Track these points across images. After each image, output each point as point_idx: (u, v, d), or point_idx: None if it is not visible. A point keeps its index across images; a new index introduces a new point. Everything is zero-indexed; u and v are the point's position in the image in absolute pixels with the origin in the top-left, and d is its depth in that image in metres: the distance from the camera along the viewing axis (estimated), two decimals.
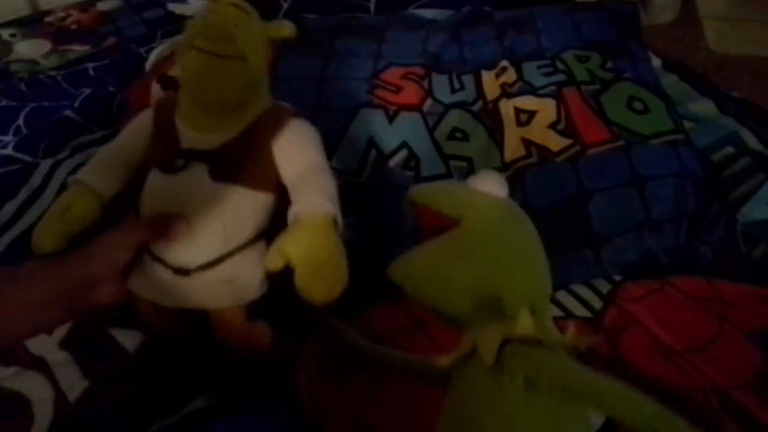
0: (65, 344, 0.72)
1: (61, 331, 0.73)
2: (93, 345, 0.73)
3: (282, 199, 0.69)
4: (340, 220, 0.65)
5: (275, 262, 0.62)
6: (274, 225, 0.69)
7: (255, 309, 0.70)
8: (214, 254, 0.67)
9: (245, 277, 0.68)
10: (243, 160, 0.68)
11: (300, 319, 0.71)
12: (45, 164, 0.99)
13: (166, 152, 0.69)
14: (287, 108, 0.73)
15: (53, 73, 1.26)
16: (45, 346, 0.72)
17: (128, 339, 0.74)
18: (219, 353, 0.72)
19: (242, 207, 0.68)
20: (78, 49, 1.39)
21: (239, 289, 0.68)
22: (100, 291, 0.64)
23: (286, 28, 0.73)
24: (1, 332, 0.60)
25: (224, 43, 0.65)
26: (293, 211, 0.64)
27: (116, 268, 0.66)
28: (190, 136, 0.69)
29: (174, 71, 0.74)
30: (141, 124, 0.74)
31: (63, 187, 0.94)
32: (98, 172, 0.72)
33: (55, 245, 0.68)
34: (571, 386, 0.45)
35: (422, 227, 0.62)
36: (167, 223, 0.66)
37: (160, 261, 0.68)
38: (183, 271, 0.67)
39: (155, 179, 0.69)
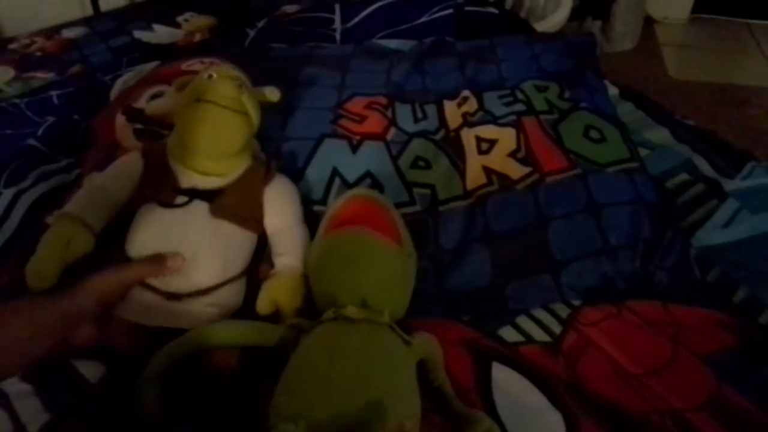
0: (26, 376, 0.71)
1: None
2: (54, 376, 0.72)
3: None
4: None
5: (267, 309, 0.75)
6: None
7: None
8: (211, 282, 0.75)
9: (228, 304, 0.77)
10: (239, 202, 0.79)
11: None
12: (7, 193, 0.98)
13: (163, 190, 0.78)
14: (270, 161, 0.87)
15: (16, 100, 1.24)
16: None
17: (90, 370, 0.73)
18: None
19: (237, 243, 0.79)
20: (42, 76, 1.38)
21: (222, 315, 0.76)
22: (80, 332, 0.66)
23: (273, 94, 0.88)
24: None
25: (236, 100, 0.78)
26: (285, 262, 0.79)
27: (101, 305, 0.67)
28: (188, 177, 0.79)
29: (175, 119, 0.81)
30: (127, 166, 0.82)
31: (26, 217, 0.94)
32: (87, 207, 0.78)
33: (54, 279, 0.72)
34: None
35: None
36: (163, 261, 0.71)
37: (150, 288, 0.73)
38: (175, 297, 0.73)
39: (153, 213, 0.77)
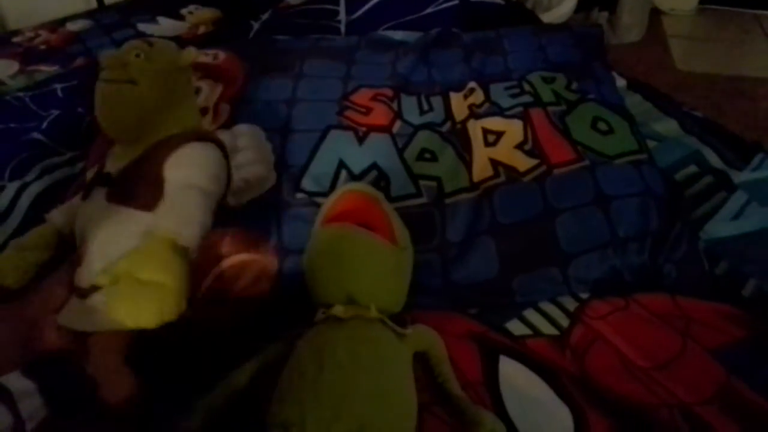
0: (28, 372, 0.71)
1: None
2: (56, 373, 0.72)
3: None
4: (191, 246, 0.70)
5: (99, 280, 0.65)
6: None
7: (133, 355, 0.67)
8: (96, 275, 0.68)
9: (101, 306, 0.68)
10: (136, 183, 0.73)
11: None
12: (12, 187, 0.98)
13: (86, 180, 0.76)
14: (195, 133, 0.79)
15: (21, 94, 1.24)
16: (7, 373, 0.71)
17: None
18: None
19: (133, 228, 0.70)
20: (46, 69, 1.38)
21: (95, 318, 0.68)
22: (46, 337, 0.65)
23: (189, 55, 0.81)
24: None
25: (117, 69, 0.74)
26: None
27: (55, 309, 0.67)
28: (111, 163, 0.76)
29: None
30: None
31: (31, 210, 0.94)
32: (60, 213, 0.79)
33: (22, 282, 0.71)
34: None
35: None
36: (73, 262, 0.70)
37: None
38: (81, 293, 0.68)
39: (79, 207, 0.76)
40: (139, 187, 0.72)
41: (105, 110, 0.75)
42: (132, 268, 0.63)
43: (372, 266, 0.73)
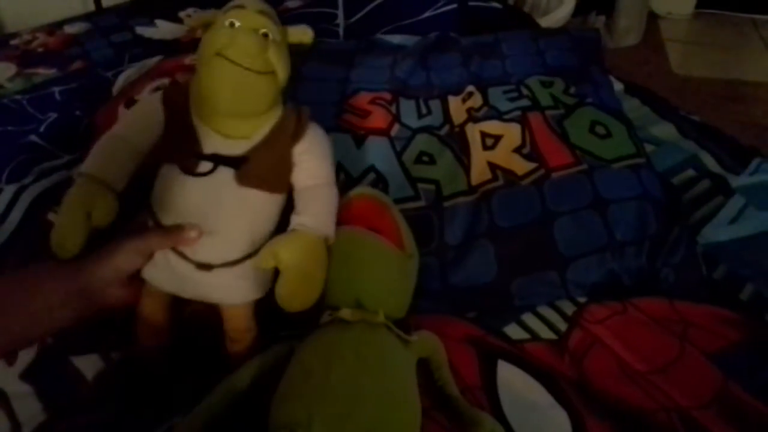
0: (26, 375, 0.71)
1: (22, 362, 0.72)
2: (53, 375, 0.71)
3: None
4: (331, 238, 0.72)
5: (267, 262, 0.67)
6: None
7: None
8: (240, 253, 0.70)
9: (258, 275, 0.71)
10: (266, 166, 0.72)
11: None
12: (9, 190, 0.97)
13: (185, 154, 0.71)
14: (303, 111, 0.76)
15: (18, 96, 1.24)
16: (5, 377, 0.71)
17: (88, 364, 0.73)
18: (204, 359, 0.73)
19: (265, 210, 0.72)
20: (44, 72, 1.38)
21: (253, 287, 0.71)
22: (110, 294, 0.66)
23: (306, 35, 0.75)
24: (11, 337, 0.61)
25: (260, 59, 0.68)
26: (295, 222, 0.71)
27: (127, 273, 0.67)
28: (212, 139, 0.71)
29: (193, 76, 0.72)
30: (148, 115, 0.74)
31: (28, 213, 0.93)
32: (107, 165, 0.70)
33: (78, 249, 0.66)
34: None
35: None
36: (182, 233, 0.68)
37: (183, 256, 0.69)
38: (206, 266, 0.69)
39: (176, 180, 0.70)
40: (271, 172, 0.72)
41: (244, 100, 0.69)
42: (301, 262, 0.68)
43: (380, 270, 0.73)
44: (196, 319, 0.74)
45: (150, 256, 0.69)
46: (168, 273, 0.70)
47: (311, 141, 0.75)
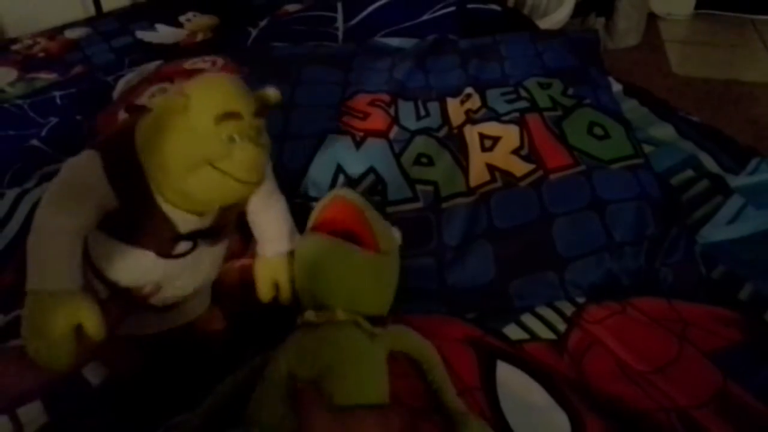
0: None
1: None
2: (58, 379, 0.72)
3: None
4: (294, 242, 0.77)
5: (270, 294, 0.76)
6: None
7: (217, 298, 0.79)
8: (196, 292, 0.74)
9: (209, 282, 0.76)
10: (232, 217, 0.72)
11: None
12: (11, 194, 0.98)
13: (160, 239, 0.65)
14: None
15: (19, 101, 1.25)
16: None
17: (94, 372, 0.73)
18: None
19: (222, 252, 0.75)
20: (45, 77, 1.38)
21: (204, 297, 0.77)
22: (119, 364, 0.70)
23: (275, 95, 0.67)
24: None
25: (260, 173, 0.62)
26: (275, 250, 0.76)
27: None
28: (187, 219, 0.65)
29: (187, 185, 0.61)
30: (90, 193, 0.61)
31: (30, 218, 0.93)
32: (75, 267, 0.60)
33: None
34: None
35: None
36: (139, 294, 0.68)
37: (149, 306, 0.70)
38: (168, 308, 0.72)
39: (147, 263, 0.66)
40: (233, 223, 0.74)
41: (225, 202, 0.66)
42: (291, 278, 0.76)
43: (345, 275, 0.74)
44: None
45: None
46: (135, 321, 0.70)
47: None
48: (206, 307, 0.77)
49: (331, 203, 0.80)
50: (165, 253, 0.66)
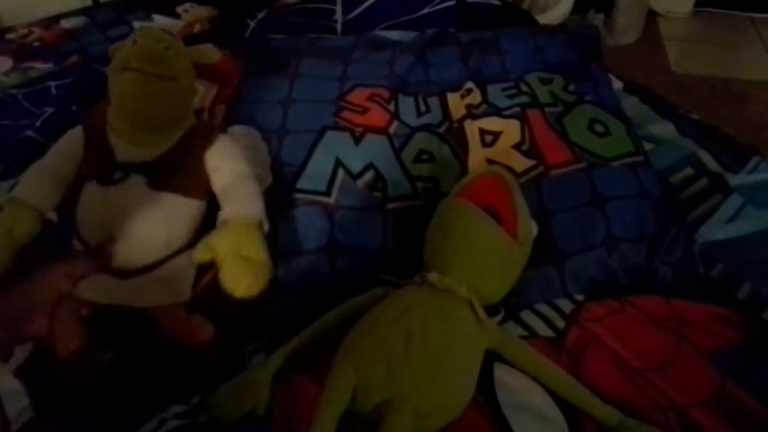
0: (19, 373, 0.71)
1: (15, 360, 0.72)
2: (46, 374, 0.71)
3: (212, 206, 0.77)
4: (265, 222, 0.75)
5: (202, 255, 0.71)
6: (205, 231, 0.75)
7: (193, 307, 0.76)
8: (156, 257, 0.74)
9: (181, 277, 0.75)
10: (178, 171, 0.76)
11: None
12: (5, 185, 0.97)
13: (101, 166, 0.75)
14: (215, 124, 0.84)
15: (14, 91, 1.23)
16: None
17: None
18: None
19: (180, 213, 0.76)
20: (40, 66, 1.36)
21: (176, 289, 0.75)
22: (33, 321, 0.67)
23: (213, 53, 0.83)
24: None
25: (160, 64, 0.73)
26: (223, 214, 0.74)
27: (55, 297, 0.68)
28: (124, 150, 0.76)
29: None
30: (70, 142, 0.79)
31: None
32: (31, 190, 0.77)
33: (4, 265, 0.71)
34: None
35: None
36: (105, 249, 0.71)
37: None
38: (124, 274, 0.73)
39: (92, 191, 0.75)
40: (184, 176, 0.76)
41: (142, 103, 0.74)
42: (237, 249, 0.70)
43: (479, 252, 0.74)
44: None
45: (78, 280, 0.71)
46: (93, 285, 0.72)
47: (223, 146, 0.79)
48: (174, 300, 0.75)
49: (484, 175, 0.82)
50: (103, 179, 0.74)
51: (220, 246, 0.71)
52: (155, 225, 0.74)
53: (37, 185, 0.77)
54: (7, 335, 0.64)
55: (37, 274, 0.67)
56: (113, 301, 0.73)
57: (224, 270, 0.70)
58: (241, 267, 0.70)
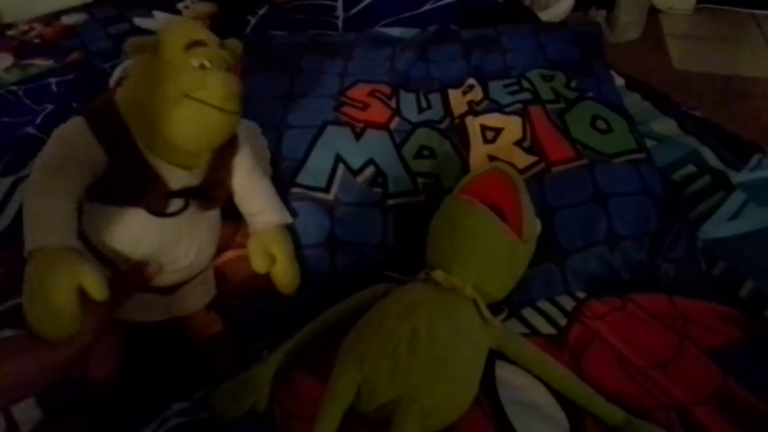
0: None
1: None
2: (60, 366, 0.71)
3: None
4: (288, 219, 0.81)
5: (265, 266, 0.76)
6: None
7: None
8: (198, 270, 0.74)
9: (210, 277, 0.78)
10: (218, 186, 0.73)
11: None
12: (5, 182, 0.97)
13: (151, 195, 0.65)
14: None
15: (14, 88, 1.23)
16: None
17: None
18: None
19: (219, 224, 0.76)
20: (41, 63, 1.36)
21: (209, 289, 0.78)
22: (95, 369, 0.67)
23: (238, 47, 0.71)
24: None
25: (239, 101, 0.64)
26: (265, 220, 0.78)
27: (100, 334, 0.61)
28: (172, 174, 0.66)
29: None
30: (83, 154, 0.63)
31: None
32: (70, 229, 0.61)
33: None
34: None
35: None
36: (142, 272, 0.67)
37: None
38: (170, 289, 0.72)
39: (139, 221, 0.65)
40: (222, 190, 0.74)
41: (217, 137, 0.66)
42: (288, 251, 0.78)
43: (484, 250, 0.74)
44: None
45: (116, 307, 0.64)
46: (138, 307, 0.69)
47: (244, 147, 0.76)
48: (210, 298, 0.78)
49: (490, 171, 0.81)
50: (157, 211, 0.66)
51: (278, 254, 0.77)
52: (208, 244, 0.74)
53: (72, 225, 0.61)
54: (54, 380, 0.58)
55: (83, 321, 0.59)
56: (162, 317, 0.72)
57: (283, 273, 0.77)
58: (293, 267, 0.78)
